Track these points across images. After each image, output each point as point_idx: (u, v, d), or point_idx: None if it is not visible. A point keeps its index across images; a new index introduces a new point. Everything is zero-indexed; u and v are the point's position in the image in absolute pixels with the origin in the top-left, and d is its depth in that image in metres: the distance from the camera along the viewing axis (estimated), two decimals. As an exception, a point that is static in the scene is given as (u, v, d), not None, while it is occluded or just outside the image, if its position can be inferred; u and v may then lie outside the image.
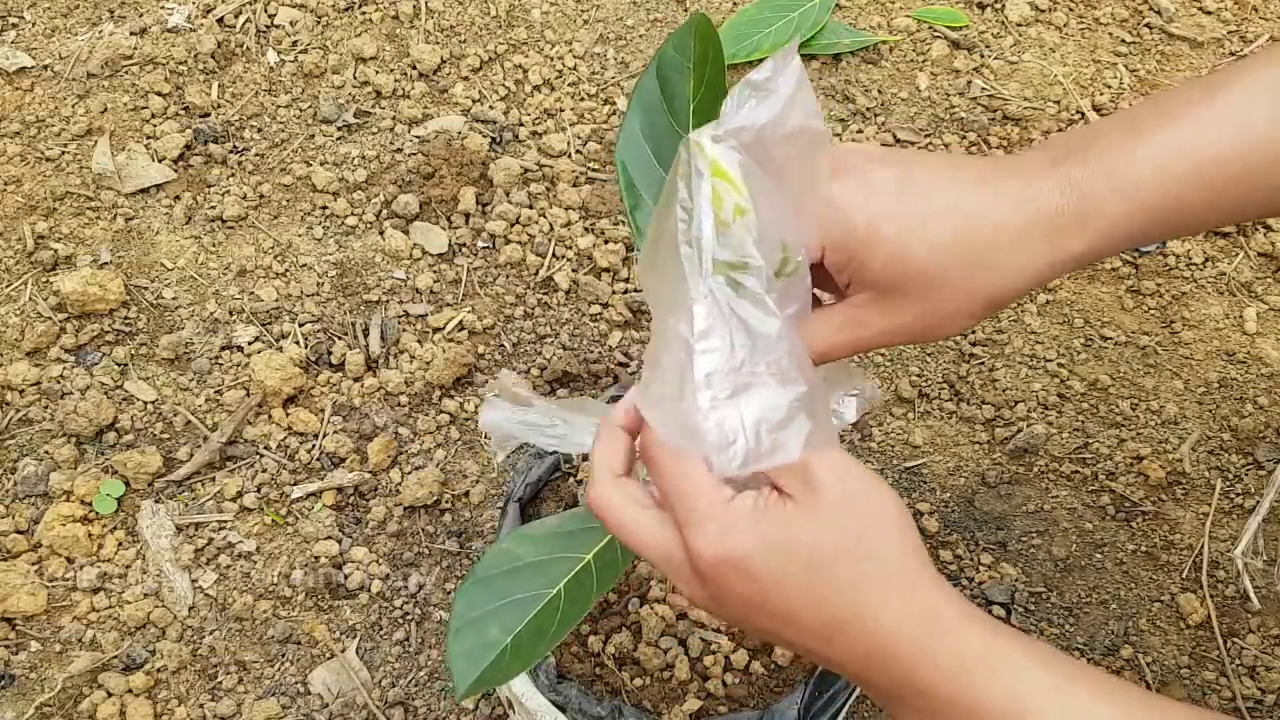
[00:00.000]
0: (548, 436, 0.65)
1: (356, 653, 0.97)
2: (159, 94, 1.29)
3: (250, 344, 1.12)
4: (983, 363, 1.15)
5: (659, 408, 0.54)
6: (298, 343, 1.12)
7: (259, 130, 1.28)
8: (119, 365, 1.11)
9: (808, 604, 0.51)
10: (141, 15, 1.36)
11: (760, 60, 1.36)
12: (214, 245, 1.19)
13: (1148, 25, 1.42)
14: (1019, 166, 0.58)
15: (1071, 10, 1.44)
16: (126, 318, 1.14)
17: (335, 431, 1.08)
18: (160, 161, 1.24)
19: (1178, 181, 0.56)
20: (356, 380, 1.11)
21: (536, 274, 1.18)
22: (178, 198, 1.22)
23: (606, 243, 1.20)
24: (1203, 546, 1.04)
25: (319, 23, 1.37)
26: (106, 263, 1.17)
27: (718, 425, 0.51)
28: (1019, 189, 0.57)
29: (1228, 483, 1.08)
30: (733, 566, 0.51)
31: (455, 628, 0.62)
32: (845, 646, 0.52)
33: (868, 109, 1.33)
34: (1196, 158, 0.56)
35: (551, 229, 1.21)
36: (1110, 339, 1.17)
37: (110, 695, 0.93)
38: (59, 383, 1.09)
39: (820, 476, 0.52)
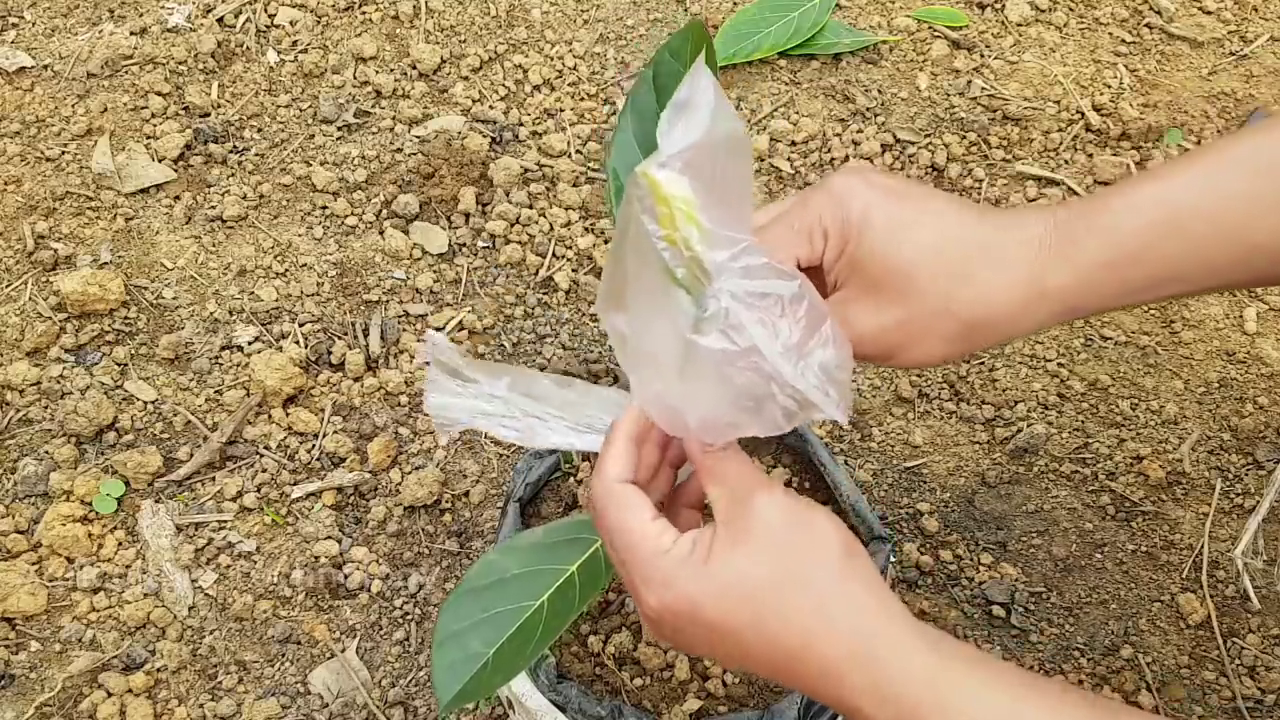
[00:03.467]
0: (507, 429, 0.62)
1: (356, 653, 0.97)
2: (159, 94, 1.29)
3: (250, 344, 1.12)
4: (983, 363, 1.15)
5: (729, 421, 0.54)
6: (298, 343, 1.12)
7: (259, 130, 1.28)
8: (119, 365, 1.11)
9: (758, 640, 0.53)
10: (141, 15, 1.36)
11: (758, 60, 1.36)
12: (214, 245, 1.19)
13: (1148, 25, 1.42)
14: (1014, 209, 0.61)
15: (1071, 10, 1.44)
16: (126, 318, 1.14)
17: (335, 431, 1.08)
18: (160, 161, 1.24)
19: (1154, 228, 0.58)
20: (356, 380, 1.11)
21: (536, 274, 1.18)
22: (178, 198, 1.22)
23: (606, 243, 1.20)
24: (1203, 546, 1.04)
25: (319, 23, 1.37)
26: (106, 263, 1.17)
27: (820, 391, 0.52)
28: (1009, 220, 0.59)
29: (1228, 483, 1.08)
30: (681, 614, 0.53)
31: (439, 640, 0.63)
32: (799, 674, 0.53)
33: (868, 109, 1.33)
34: (1174, 207, 0.58)
35: (551, 229, 1.21)
36: (1110, 339, 1.17)
37: (110, 695, 0.93)
38: (59, 383, 1.09)
39: (759, 508, 0.54)
